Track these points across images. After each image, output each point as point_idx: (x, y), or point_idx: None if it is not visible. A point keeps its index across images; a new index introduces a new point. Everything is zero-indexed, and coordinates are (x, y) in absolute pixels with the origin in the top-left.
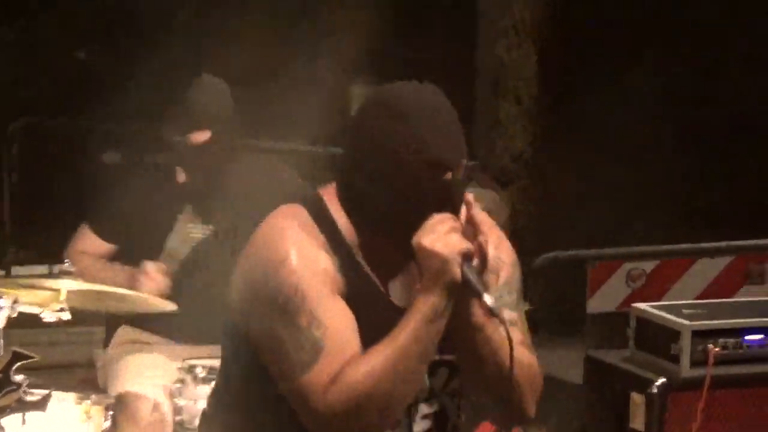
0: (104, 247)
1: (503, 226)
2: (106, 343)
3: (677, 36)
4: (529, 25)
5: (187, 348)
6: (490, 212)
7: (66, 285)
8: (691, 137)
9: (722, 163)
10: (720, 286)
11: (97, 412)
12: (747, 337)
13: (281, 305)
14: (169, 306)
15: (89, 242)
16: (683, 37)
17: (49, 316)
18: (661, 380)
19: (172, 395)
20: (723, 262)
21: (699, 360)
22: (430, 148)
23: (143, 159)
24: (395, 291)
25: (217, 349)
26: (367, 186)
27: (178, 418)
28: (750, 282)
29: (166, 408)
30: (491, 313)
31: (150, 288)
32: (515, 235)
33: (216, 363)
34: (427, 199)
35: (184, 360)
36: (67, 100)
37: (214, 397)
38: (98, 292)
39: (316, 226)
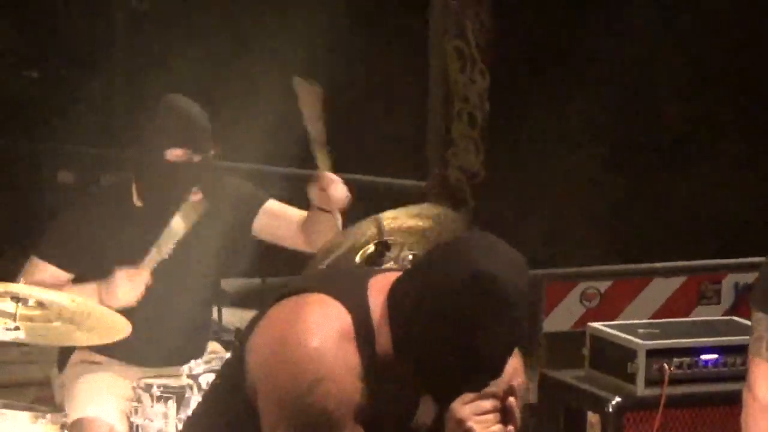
0: (63, 276)
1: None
2: (61, 364)
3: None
4: (482, 46)
5: (141, 369)
6: (448, 231)
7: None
8: (634, 160)
9: (671, 183)
10: (674, 306)
11: (53, 430)
12: (702, 357)
13: (303, 423)
14: (123, 332)
15: (45, 273)
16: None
17: (3, 335)
18: (617, 399)
19: (128, 415)
20: (677, 282)
21: (654, 379)
22: (519, 330)
23: (99, 180)
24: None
25: (169, 371)
26: (433, 341)
27: None
28: (705, 302)
29: (122, 431)
30: None
31: (125, 290)
32: None
33: (170, 382)
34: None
35: (139, 379)
36: (10, 122)
37: None
38: (53, 312)
39: (355, 340)
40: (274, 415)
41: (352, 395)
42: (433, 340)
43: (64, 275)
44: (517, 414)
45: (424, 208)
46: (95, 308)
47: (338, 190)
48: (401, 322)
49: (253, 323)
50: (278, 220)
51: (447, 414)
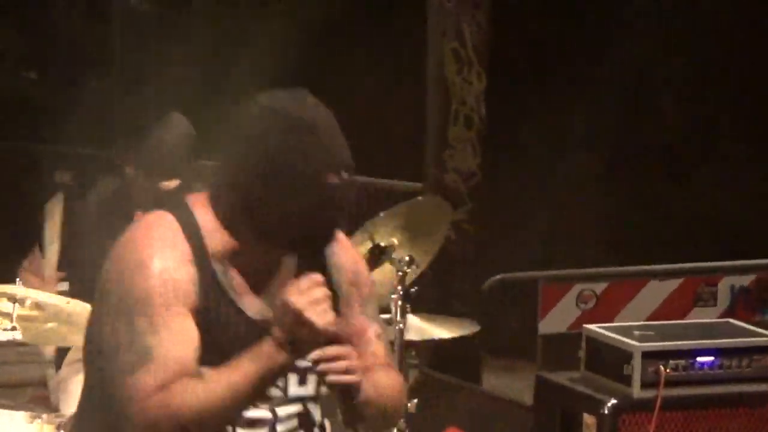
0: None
1: (443, 236)
2: (57, 364)
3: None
4: (479, 48)
5: None
6: (433, 221)
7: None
8: (631, 162)
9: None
10: (670, 308)
11: (49, 431)
12: (698, 359)
13: (127, 306)
14: None
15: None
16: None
17: (0, 335)
18: (613, 401)
19: None
20: (673, 284)
21: (650, 381)
22: (328, 156)
23: (96, 181)
24: (253, 305)
25: None
26: (261, 194)
27: None
28: (701, 304)
29: None
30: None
31: None
32: (463, 258)
33: None
34: (321, 205)
35: None
36: (9, 122)
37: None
38: (49, 313)
39: (181, 233)
40: (104, 313)
41: (181, 278)
42: (252, 181)
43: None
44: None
45: (406, 204)
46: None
47: None
48: (230, 190)
49: None
50: None
51: (280, 305)
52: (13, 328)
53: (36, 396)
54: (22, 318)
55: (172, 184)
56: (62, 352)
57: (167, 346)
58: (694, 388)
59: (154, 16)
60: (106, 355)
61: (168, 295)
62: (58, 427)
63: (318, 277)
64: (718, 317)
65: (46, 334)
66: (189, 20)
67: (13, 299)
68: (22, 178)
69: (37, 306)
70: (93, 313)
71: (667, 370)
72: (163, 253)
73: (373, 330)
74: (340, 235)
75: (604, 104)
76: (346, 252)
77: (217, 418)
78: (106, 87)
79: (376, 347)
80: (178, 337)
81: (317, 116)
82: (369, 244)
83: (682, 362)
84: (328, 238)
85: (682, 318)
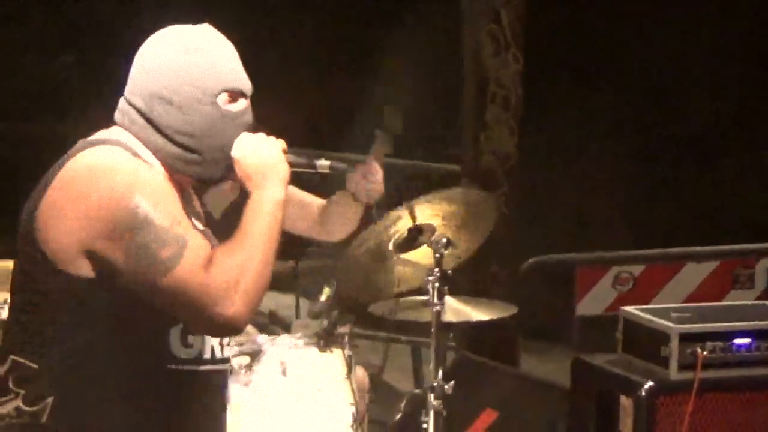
0: None
1: (491, 229)
2: None
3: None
4: (515, 30)
5: None
6: (477, 213)
7: None
8: (667, 146)
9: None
10: (708, 290)
11: None
12: (735, 341)
13: (141, 216)
14: None
15: None
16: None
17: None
18: (650, 383)
19: None
20: (710, 266)
21: (687, 363)
22: (231, 79)
23: None
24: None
25: None
26: (164, 116)
27: None
28: (738, 286)
29: None
30: (333, 169)
31: None
32: (500, 240)
33: None
34: (232, 122)
35: None
36: (41, 106)
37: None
38: None
39: (134, 156)
40: (107, 235)
41: (166, 187)
42: (154, 104)
43: None
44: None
45: (453, 192)
46: None
47: (380, 181)
48: (148, 122)
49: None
50: (295, 207)
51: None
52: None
53: None
54: None
55: None
56: None
57: (194, 231)
58: (731, 371)
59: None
60: (132, 269)
61: (171, 192)
62: None
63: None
64: (756, 299)
65: None
66: (225, 3)
67: None
68: (47, 159)
69: None
70: (55, 251)
71: (704, 353)
72: (139, 162)
73: None
74: None
75: (641, 87)
76: None
77: (261, 266)
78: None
79: None
80: (190, 224)
81: (211, 41)
82: (409, 224)
83: (719, 344)
84: (226, 167)
85: (719, 300)
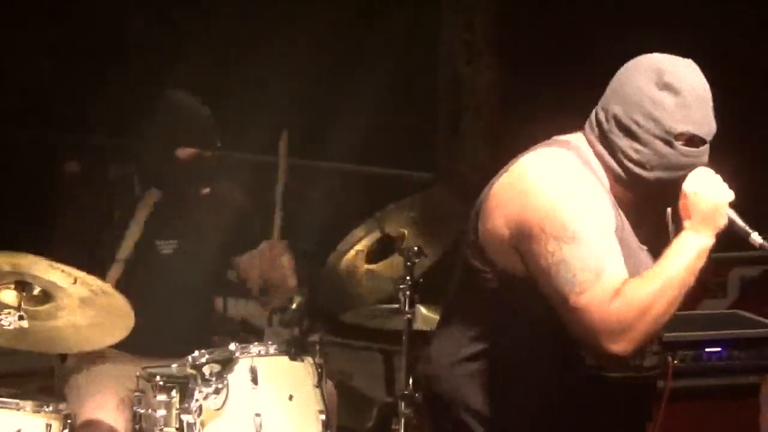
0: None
1: (455, 229)
2: (62, 355)
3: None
4: (490, 39)
5: (145, 359)
6: (445, 214)
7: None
8: None
9: None
10: None
11: (55, 420)
12: (706, 350)
13: (572, 230)
14: (127, 324)
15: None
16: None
17: (7, 324)
18: None
19: (131, 404)
20: None
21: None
22: (695, 124)
23: (107, 171)
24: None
25: (172, 361)
26: (630, 146)
27: (137, 426)
28: (710, 295)
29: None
30: (762, 247)
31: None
32: None
33: (173, 371)
34: (685, 161)
35: (143, 369)
36: (26, 112)
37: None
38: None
39: (584, 165)
40: (537, 243)
41: (605, 201)
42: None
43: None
44: None
45: (415, 195)
46: (101, 290)
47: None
48: (611, 139)
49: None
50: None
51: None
52: (20, 317)
53: (44, 386)
54: (31, 314)
55: (187, 151)
56: None
57: (614, 259)
58: (702, 380)
59: (173, 7)
60: (550, 281)
61: (604, 216)
62: (66, 418)
63: None
64: (727, 308)
65: (54, 335)
66: (210, 12)
67: (21, 285)
68: (31, 166)
69: (45, 295)
70: (494, 251)
71: (675, 361)
72: (583, 178)
73: None
74: None
75: None
76: None
77: (667, 306)
78: (121, 77)
79: None
80: (618, 251)
81: (688, 80)
82: (378, 235)
83: (690, 353)
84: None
85: (691, 309)
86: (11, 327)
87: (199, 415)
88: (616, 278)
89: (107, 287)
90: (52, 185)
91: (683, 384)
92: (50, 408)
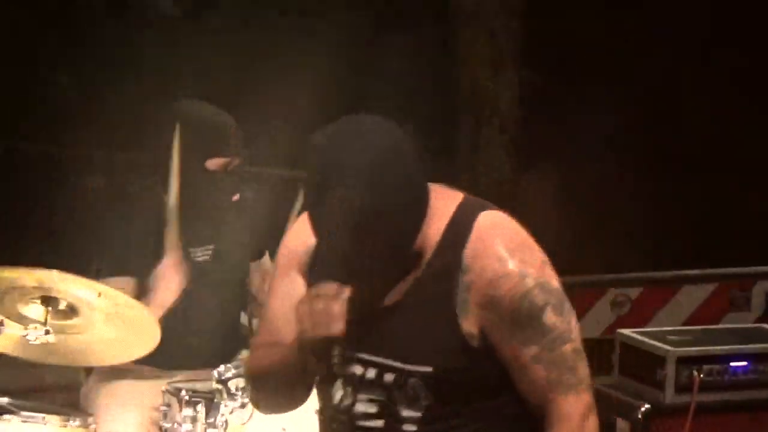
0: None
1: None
2: (88, 369)
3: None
4: (512, 52)
5: (170, 373)
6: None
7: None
8: (664, 166)
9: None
10: (704, 313)
11: None
12: (732, 364)
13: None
14: (153, 339)
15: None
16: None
17: (33, 338)
18: (646, 406)
19: (156, 420)
20: (708, 289)
21: (684, 386)
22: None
23: (129, 184)
24: None
25: (198, 375)
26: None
27: None
28: (734, 309)
29: None
30: None
31: (165, 295)
32: None
33: (199, 386)
34: None
35: (168, 383)
36: (44, 126)
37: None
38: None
39: None
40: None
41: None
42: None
43: (132, 280)
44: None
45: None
46: (126, 303)
47: None
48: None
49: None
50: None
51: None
52: (47, 332)
53: (69, 400)
54: (57, 329)
55: (216, 162)
56: None
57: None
58: (728, 394)
59: (189, 20)
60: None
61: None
62: None
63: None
64: (753, 322)
65: (81, 349)
66: (226, 24)
67: (46, 300)
68: (54, 181)
69: (72, 309)
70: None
71: (701, 376)
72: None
73: None
74: None
75: (636, 107)
76: None
77: (264, 380)
78: (135, 91)
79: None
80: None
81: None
82: None
83: (716, 367)
84: None
85: (716, 323)
86: (37, 341)
87: (225, 429)
88: (263, 331)
89: (132, 301)
90: (66, 200)
91: (708, 398)
92: (77, 422)
